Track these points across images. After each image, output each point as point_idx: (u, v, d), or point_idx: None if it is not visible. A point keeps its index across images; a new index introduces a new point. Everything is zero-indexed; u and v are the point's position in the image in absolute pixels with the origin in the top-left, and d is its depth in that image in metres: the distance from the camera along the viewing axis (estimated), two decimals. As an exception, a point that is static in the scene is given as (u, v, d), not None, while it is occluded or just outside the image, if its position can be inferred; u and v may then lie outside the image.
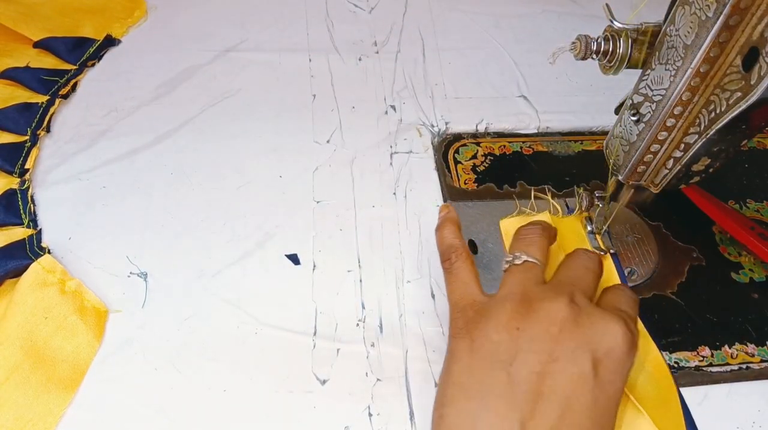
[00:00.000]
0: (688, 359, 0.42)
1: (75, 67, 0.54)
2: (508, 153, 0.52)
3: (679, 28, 0.32)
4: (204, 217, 0.46)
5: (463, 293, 0.37)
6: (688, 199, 0.48)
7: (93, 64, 0.55)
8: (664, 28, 0.33)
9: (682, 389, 0.39)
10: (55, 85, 0.52)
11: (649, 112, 0.35)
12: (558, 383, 0.31)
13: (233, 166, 0.49)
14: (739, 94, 0.29)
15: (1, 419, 0.36)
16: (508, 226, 0.46)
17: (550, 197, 0.46)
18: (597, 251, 0.42)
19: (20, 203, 0.45)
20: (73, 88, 0.53)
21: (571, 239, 0.47)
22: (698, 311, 0.43)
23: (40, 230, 0.44)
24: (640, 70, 0.36)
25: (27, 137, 0.48)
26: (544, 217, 0.46)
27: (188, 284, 0.43)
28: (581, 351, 0.32)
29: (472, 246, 0.46)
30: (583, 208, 0.45)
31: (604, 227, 0.45)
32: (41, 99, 0.51)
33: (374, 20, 0.61)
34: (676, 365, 0.41)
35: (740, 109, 0.29)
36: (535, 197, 0.46)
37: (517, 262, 0.37)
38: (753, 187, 0.51)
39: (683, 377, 0.41)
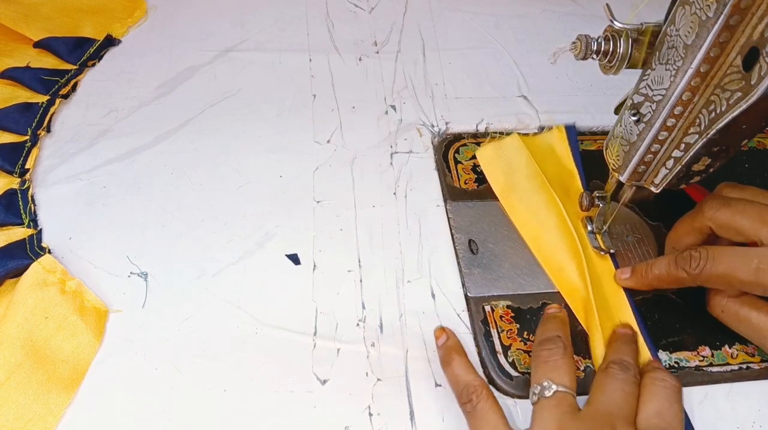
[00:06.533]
0: (689, 359, 0.42)
1: (75, 67, 0.54)
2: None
3: (679, 28, 0.32)
4: (204, 217, 0.46)
5: None
6: (689, 199, 0.48)
7: (93, 64, 0.55)
8: (664, 28, 0.33)
9: (682, 389, 0.38)
10: (55, 85, 0.52)
11: (650, 112, 0.35)
12: None
13: (233, 166, 0.49)
14: (739, 94, 0.30)
15: (1, 419, 0.36)
16: (485, 153, 0.48)
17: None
18: (627, 362, 0.37)
19: (20, 203, 0.45)
20: (74, 88, 0.53)
21: (547, 156, 0.47)
22: (698, 311, 0.43)
23: (41, 230, 0.44)
24: (640, 70, 0.36)
25: (27, 137, 0.48)
26: (514, 138, 0.48)
27: (188, 284, 0.43)
28: None
29: (473, 246, 0.46)
30: (583, 208, 0.45)
31: (604, 227, 0.45)
32: (41, 99, 0.51)
33: (374, 20, 0.61)
34: (676, 365, 0.41)
35: (740, 109, 0.29)
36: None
37: (547, 393, 0.34)
38: (753, 188, 0.51)
39: (683, 377, 0.41)
